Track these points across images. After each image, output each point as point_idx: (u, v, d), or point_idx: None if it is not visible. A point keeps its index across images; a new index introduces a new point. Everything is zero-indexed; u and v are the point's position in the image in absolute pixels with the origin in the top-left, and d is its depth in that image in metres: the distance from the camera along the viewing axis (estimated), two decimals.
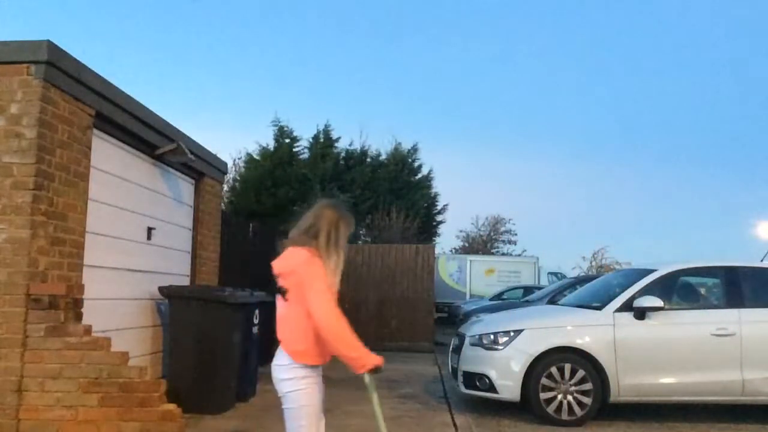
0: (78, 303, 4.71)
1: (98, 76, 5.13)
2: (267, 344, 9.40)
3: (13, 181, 4.46)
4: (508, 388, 6.00)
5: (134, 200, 5.98)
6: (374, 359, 2.91)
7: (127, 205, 5.84)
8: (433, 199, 23.86)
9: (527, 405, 6.01)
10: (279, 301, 2.95)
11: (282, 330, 2.95)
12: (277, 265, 2.97)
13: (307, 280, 2.81)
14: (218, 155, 8.27)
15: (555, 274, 24.24)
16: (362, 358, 2.88)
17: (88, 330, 4.61)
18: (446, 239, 39.07)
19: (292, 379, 2.93)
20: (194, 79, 54.77)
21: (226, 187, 19.94)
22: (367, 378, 3.01)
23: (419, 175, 23.39)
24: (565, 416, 5.86)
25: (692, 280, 6.87)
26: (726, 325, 6.00)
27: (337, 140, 22.47)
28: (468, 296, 21.41)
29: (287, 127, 22.05)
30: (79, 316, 4.71)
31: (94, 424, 4.52)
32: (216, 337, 5.94)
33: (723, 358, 5.95)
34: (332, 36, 52.66)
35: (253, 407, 6.30)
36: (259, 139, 28.44)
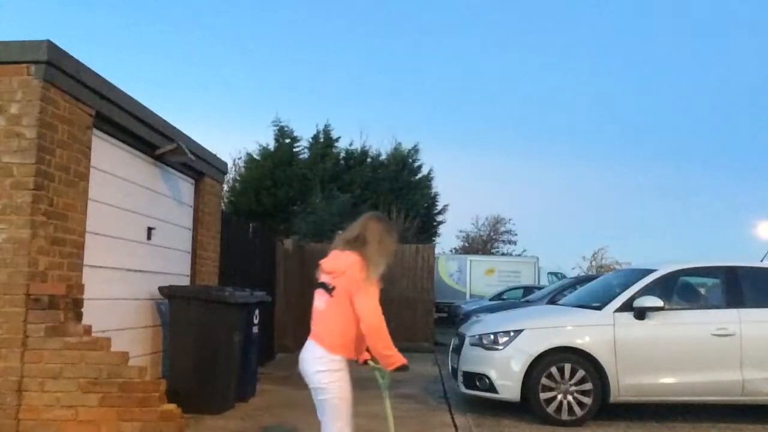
0: (78, 303, 4.71)
1: (98, 76, 5.13)
2: (267, 344, 9.43)
3: (13, 181, 4.46)
4: (508, 388, 6.00)
5: (134, 200, 5.98)
6: (402, 359, 3.22)
7: (127, 205, 5.84)
8: (433, 199, 23.85)
9: (527, 405, 6.01)
10: (319, 295, 3.25)
11: (320, 323, 3.22)
12: (328, 264, 3.27)
13: (357, 282, 3.12)
14: (218, 155, 8.27)
15: (555, 274, 24.25)
16: (394, 356, 3.19)
17: (88, 330, 4.61)
18: (446, 239, 39.10)
19: (328, 371, 3.14)
20: (194, 79, 54.81)
21: (226, 187, 19.95)
22: (387, 378, 3.37)
23: (419, 176, 23.38)
24: (565, 416, 5.86)
25: (692, 280, 6.87)
26: (726, 325, 6.00)
27: (337, 140, 22.48)
28: (468, 296, 21.41)
29: (287, 127, 22.08)
30: (79, 316, 4.71)
31: (94, 424, 4.52)
32: (216, 337, 5.94)
33: (723, 358, 5.95)
34: (333, 36, 52.69)
35: (253, 407, 6.30)
36: (259, 139, 28.49)
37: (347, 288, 3.12)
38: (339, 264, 3.21)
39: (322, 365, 3.13)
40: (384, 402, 3.38)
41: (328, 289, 3.20)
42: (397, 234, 3.52)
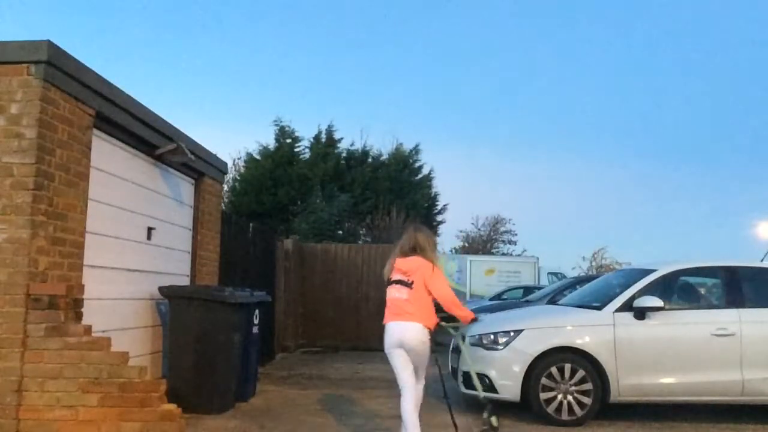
0: (78, 303, 4.71)
1: (98, 76, 5.13)
2: (267, 344, 9.43)
3: (13, 181, 4.46)
4: (508, 388, 6.00)
5: (134, 200, 5.98)
6: (472, 314, 4.94)
7: (127, 205, 5.84)
8: (433, 199, 23.83)
9: (527, 405, 6.01)
10: (398, 289, 4.60)
11: (408, 308, 4.53)
12: (406, 265, 4.64)
13: (432, 275, 4.59)
14: (218, 155, 8.27)
15: (555, 274, 24.23)
16: (468, 315, 4.89)
17: (88, 330, 4.61)
18: (446, 239, 39.04)
19: (427, 340, 4.60)
20: (194, 78, 54.79)
21: (226, 187, 19.95)
22: (461, 331, 5.52)
23: (420, 176, 23.36)
24: (565, 416, 5.86)
25: (692, 280, 6.87)
26: (726, 325, 6.00)
27: (339, 141, 22.47)
28: (468, 296, 21.40)
29: (288, 126, 22.05)
30: (79, 316, 4.71)
31: (94, 424, 4.52)
32: (216, 337, 5.94)
33: (723, 358, 5.94)
34: (333, 36, 52.67)
35: (253, 407, 6.30)
36: (259, 139, 28.39)
37: (424, 281, 4.53)
38: (415, 266, 4.58)
39: (424, 336, 4.54)
40: (463, 351, 5.47)
41: (408, 284, 4.55)
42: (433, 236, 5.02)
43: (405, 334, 4.49)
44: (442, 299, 4.59)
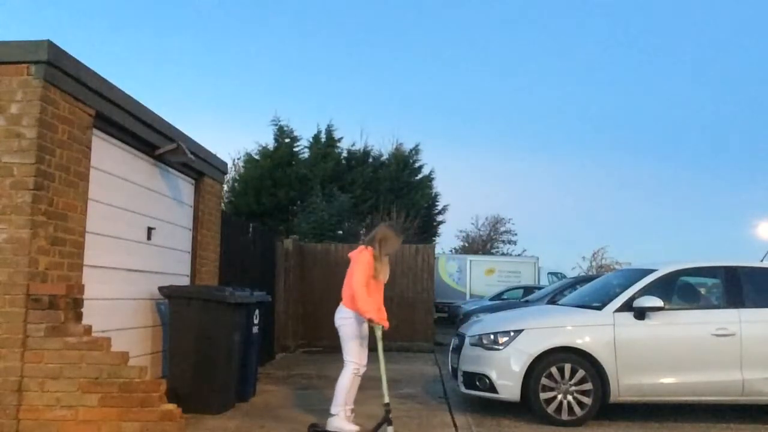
0: (78, 303, 4.71)
1: (98, 76, 5.13)
2: (267, 344, 9.42)
3: (13, 181, 4.46)
4: (508, 388, 6.00)
5: (134, 200, 5.98)
6: (369, 313, 5.08)
7: (127, 205, 5.84)
8: (433, 200, 23.86)
9: (527, 405, 6.01)
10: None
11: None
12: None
13: (352, 263, 5.16)
14: (218, 155, 8.27)
15: (555, 274, 24.23)
16: (366, 312, 5.08)
17: (88, 330, 4.61)
18: (446, 239, 39.13)
19: (341, 318, 5.25)
20: (194, 79, 54.78)
21: (226, 187, 19.94)
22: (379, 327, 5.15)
23: (420, 176, 23.39)
24: (565, 416, 5.86)
25: (692, 280, 6.86)
26: (726, 325, 6.00)
27: (339, 140, 22.47)
28: (468, 296, 21.40)
29: (287, 126, 22.06)
30: (79, 316, 4.70)
31: (94, 424, 4.52)
32: (216, 337, 5.94)
33: (723, 358, 5.94)
34: (334, 36, 52.67)
35: (253, 407, 6.30)
36: (259, 139, 28.46)
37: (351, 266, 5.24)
38: (353, 253, 5.25)
39: (339, 314, 5.26)
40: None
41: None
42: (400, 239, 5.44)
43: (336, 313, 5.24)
44: (347, 287, 5.12)
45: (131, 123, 5.67)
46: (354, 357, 5.16)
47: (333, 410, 5.16)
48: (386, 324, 5.17)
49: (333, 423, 5.18)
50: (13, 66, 4.51)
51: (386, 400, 4.99)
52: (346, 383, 5.15)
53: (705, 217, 50.30)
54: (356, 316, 5.13)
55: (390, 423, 4.94)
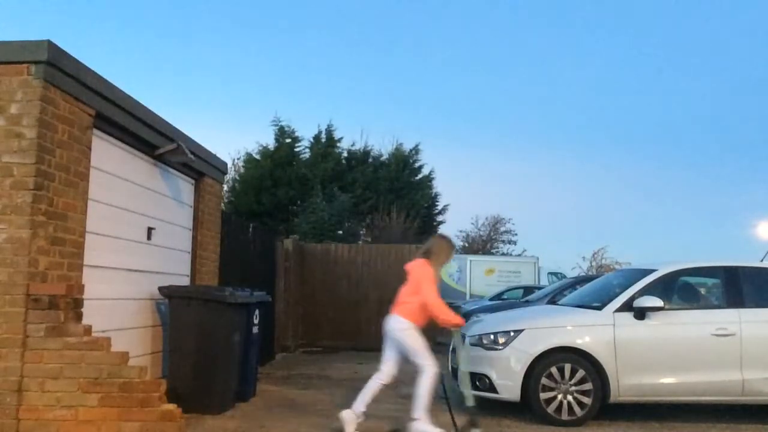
0: (78, 303, 4.70)
1: (98, 76, 5.12)
2: (267, 344, 9.42)
3: (13, 181, 4.46)
4: (508, 388, 6.00)
5: (134, 200, 5.97)
6: (456, 320, 5.29)
7: (127, 205, 5.84)
8: (433, 200, 23.85)
9: (527, 405, 6.01)
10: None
11: (398, 301, 5.33)
12: (410, 265, 5.44)
13: (422, 277, 5.29)
14: (218, 155, 8.26)
15: (555, 274, 24.22)
16: (449, 321, 5.30)
17: (88, 330, 4.61)
18: None
19: (403, 328, 5.29)
20: (195, 78, 54.78)
21: (226, 187, 19.94)
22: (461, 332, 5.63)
23: (420, 176, 23.38)
24: (565, 416, 5.86)
25: (692, 280, 6.86)
26: (726, 325, 6.00)
27: (339, 141, 22.47)
28: (468, 296, 21.38)
29: (288, 126, 22.07)
30: (79, 316, 4.70)
31: (94, 424, 4.52)
32: (216, 337, 5.94)
33: (723, 358, 5.94)
34: (334, 36, 52.67)
35: (253, 407, 6.30)
36: (259, 139, 28.49)
37: (416, 279, 5.41)
38: (413, 265, 5.49)
39: (400, 325, 5.31)
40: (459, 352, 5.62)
41: (406, 281, 5.43)
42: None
43: (387, 324, 5.29)
44: (425, 302, 5.14)
45: (131, 123, 5.66)
46: (429, 360, 5.25)
47: (415, 415, 5.17)
48: (462, 322, 5.38)
49: (418, 427, 5.18)
50: (13, 66, 4.50)
51: (470, 402, 5.22)
52: (430, 386, 5.22)
53: (705, 217, 50.31)
54: (413, 324, 5.28)
55: (477, 425, 5.15)
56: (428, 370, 5.19)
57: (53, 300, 4.49)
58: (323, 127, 22.46)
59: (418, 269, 5.33)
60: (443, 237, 5.65)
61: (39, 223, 4.48)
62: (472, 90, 53.36)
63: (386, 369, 5.33)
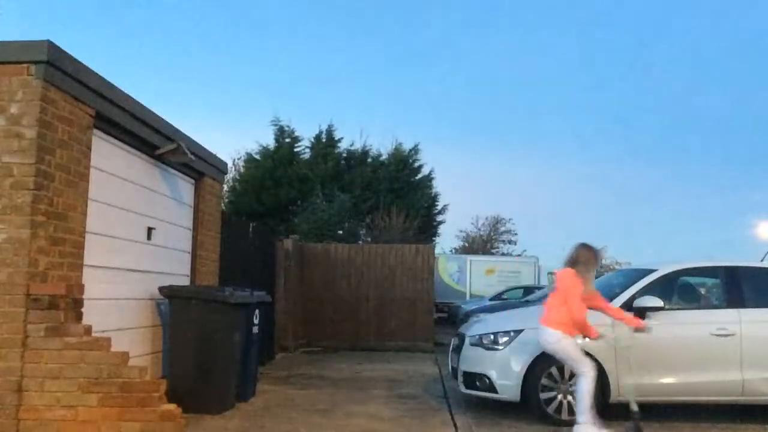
0: (78, 303, 4.71)
1: (98, 76, 5.13)
2: (267, 344, 9.42)
3: (13, 181, 4.46)
4: (508, 388, 5.99)
5: (134, 200, 5.98)
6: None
7: (127, 205, 5.84)
8: (433, 200, 23.80)
9: (527, 405, 6.00)
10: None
11: (545, 311, 5.44)
12: (558, 275, 5.53)
13: (568, 288, 5.32)
14: (218, 155, 8.27)
15: (555, 274, 24.19)
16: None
17: (88, 330, 4.62)
18: (446, 239, 39.09)
19: (555, 340, 5.29)
20: (195, 79, 54.80)
21: (226, 187, 19.93)
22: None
23: (420, 176, 23.35)
24: (565, 416, 5.85)
25: (692, 280, 6.86)
26: (726, 325, 6.00)
27: (339, 141, 22.46)
28: (468, 296, 21.40)
29: (288, 126, 22.06)
30: (79, 316, 4.71)
31: (94, 424, 4.52)
32: (216, 337, 5.94)
33: (723, 358, 5.94)
34: (334, 36, 52.68)
35: (253, 407, 6.30)
36: (259, 139, 28.42)
37: (563, 290, 5.39)
38: (560, 275, 5.57)
39: (551, 337, 5.33)
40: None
41: (553, 291, 5.51)
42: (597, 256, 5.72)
43: (539, 337, 5.40)
44: (570, 313, 5.20)
45: (131, 123, 5.67)
46: (586, 365, 5.27)
47: (580, 419, 5.22)
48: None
49: (582, 430, 5.24)
50: (13, 66, 4.51)
51: (635, 408, 5.25)
52: (589, 389, 5.23)
53: (705, 217, 50.33)
54: (564, 333, 5.30)
55: (640, 430, 5.18)
56: (586, 374, 5.25)
57: (53, 300, 4.49)
58: (323, 128, 22.45)
59: (566, 280, 5.38)
60: (587, 246, 5.56)
61: (39, 223, 4.48)
62: (473, 90, 53.39)
63: (587, 363, 5.28)
